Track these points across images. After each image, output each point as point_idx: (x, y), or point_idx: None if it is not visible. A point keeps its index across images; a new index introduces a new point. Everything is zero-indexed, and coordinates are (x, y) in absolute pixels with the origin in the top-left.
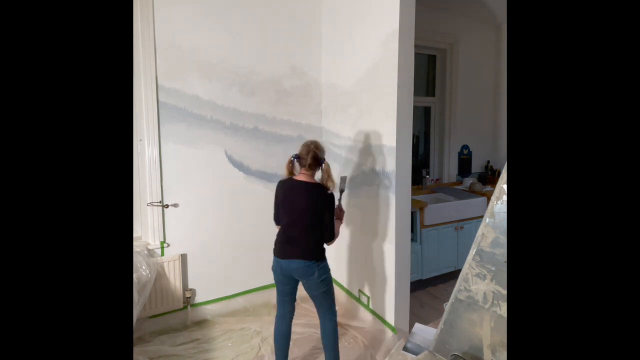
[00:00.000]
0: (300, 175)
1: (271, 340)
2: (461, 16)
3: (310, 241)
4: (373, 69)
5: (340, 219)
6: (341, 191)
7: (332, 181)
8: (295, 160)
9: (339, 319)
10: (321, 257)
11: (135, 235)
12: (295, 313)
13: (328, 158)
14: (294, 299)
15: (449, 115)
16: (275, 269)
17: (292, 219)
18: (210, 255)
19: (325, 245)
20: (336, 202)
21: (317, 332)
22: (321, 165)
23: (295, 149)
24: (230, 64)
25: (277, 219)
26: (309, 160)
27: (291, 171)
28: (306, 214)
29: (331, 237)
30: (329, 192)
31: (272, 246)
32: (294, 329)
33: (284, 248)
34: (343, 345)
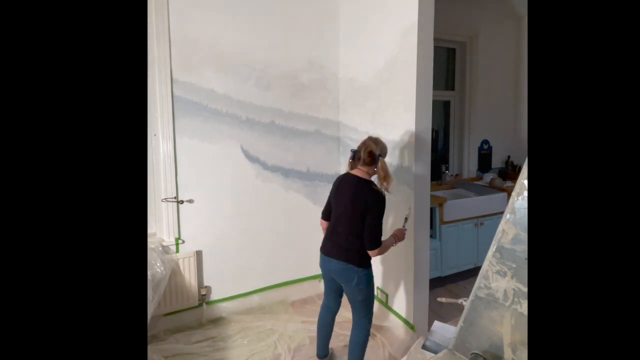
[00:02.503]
0: (356, 171)
1: (287, 339)
2: (481, 9)
3: (353, 242)
4: (392, 62)
5: (397, 237)
6: (406, 219)
7: (388, 180)
8: (354, 155)
9: None
10: (363, 263)
11: (149, 231)
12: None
13: (345, 152)
14: (339, 296)
15: (468, 110)
16: (320, 263)
17: (338, 214)
18: (226, 252)
19: (370, 254)
20: (401, 226)
21: (335, 329)
22: (377, 162)
23: (313, 144)
24: (246, 58)
25: (325, 214)
26: (362, 155)
27: (351, 167)
28: (350, 209)
29: (372, 243)
30: (380, 190)
31: (289, 242)
32: (313, 326)
33: (325, 243)
34: None
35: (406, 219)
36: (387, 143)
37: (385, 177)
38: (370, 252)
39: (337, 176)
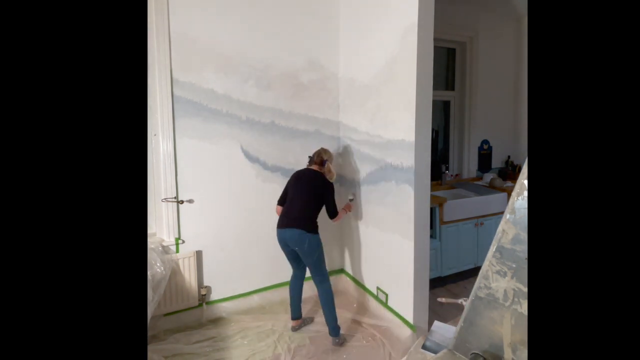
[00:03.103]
0: (313, 166)
1: (287, 339)
2: (481, 9)
3: (305, 214)
4: (392, 62)
5: (347, 208)
6: (350, 199)
7: (331, 175)
8: (311, 159)
9: (355, 315)
10: (313, 229)
11: (149, 231)
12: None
13: (345, 152)
14: (302, 263)
15: (468, 110)
16: (277, 239)
17: (294, 196)
18: (226, 252)
19: (332, 221)
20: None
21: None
22: (324, 165)
23: (313, 144)
24: (246, 58)
25: (281, 200)
26: (316, 159)
27: (309, 165)
28: (307, 190)
29: (332, 214)
30: (329, 178)
31: None
32: (313, 327)
33: (282, 219)
34: (360, 342)
35: (351, 199)
36: (387, 143)
37: (329, 172)
38: (332, 220)
39: (337, 176)
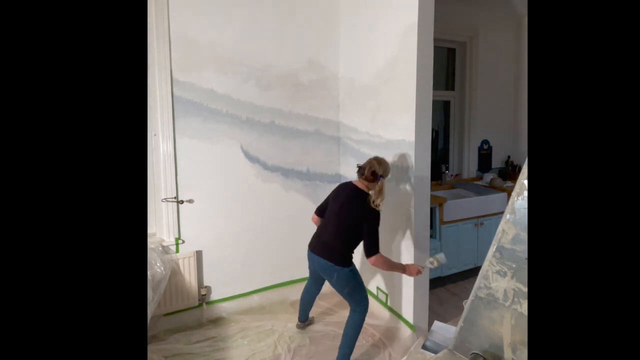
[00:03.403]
0: (358, 182)
1: (287, 339)
2: (481, 9)
3: (337, 243)
4: (392, 62)
5: (407, 269)
6: (430, 264)
7: (381, 197)
8: (360, 170)
9: None
10: (344, 262)
11: (149, 231)
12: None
13: (345, 152)
14: (320, 284)
15: (468, 110)
16: (307, 256)
17: (331, 214)
18: (226, 252)
19: (368, 262)
20: (429, 265)
21: (334, 329)
22: (378, 181)
23: (313, 144)
24: (246, 58)
25: (320, 209)
26: (366, 173)
27: (358, 177)
28: (343, 212)
29: (369, 250)
30: (375, 205)
31: (290, 242)
32: (313, 327)
33: (313, 241)
34: (361, 343)
35: (431, 266)
36: (387, 143)
37: (380, 194)
38: (369, 260)
39: (337, 176)
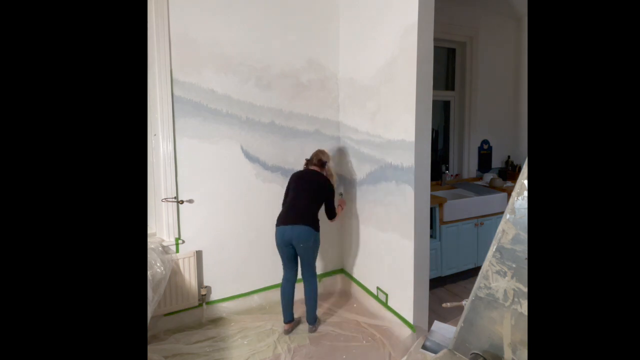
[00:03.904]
0: (314, 167)
1: (287, 339)
2: (481, 9)
3: (311, 211)
4: (392, 62)
5: (342, 205)
6: (340, 194)
7: (333, 178)
8: (307, 162)
9: (355, 316)
10: (317, 227)
11: (149, 231)
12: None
13: (345, 152)
14: (295, 264)
15: (468, 110)
16: (276, 237)
17: (298, 194)
18: (226, 251)
19: (329, 221)
20: (337, 198)
21: (334, 329)
22: (324, 166)
23: (313, 144)
24: (246, 58)
25: (284, 201)
26: (314, 161)
27: (307, 165)
28: (311, 190)
29: (332, 216)
30: (332, 182)
31: None
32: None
33: (287, 215)
34: (361, 343)
35: (340, 194)
36: (387, 143)
37: (332, 175)
38: (331, 220)
39: (337, 176)
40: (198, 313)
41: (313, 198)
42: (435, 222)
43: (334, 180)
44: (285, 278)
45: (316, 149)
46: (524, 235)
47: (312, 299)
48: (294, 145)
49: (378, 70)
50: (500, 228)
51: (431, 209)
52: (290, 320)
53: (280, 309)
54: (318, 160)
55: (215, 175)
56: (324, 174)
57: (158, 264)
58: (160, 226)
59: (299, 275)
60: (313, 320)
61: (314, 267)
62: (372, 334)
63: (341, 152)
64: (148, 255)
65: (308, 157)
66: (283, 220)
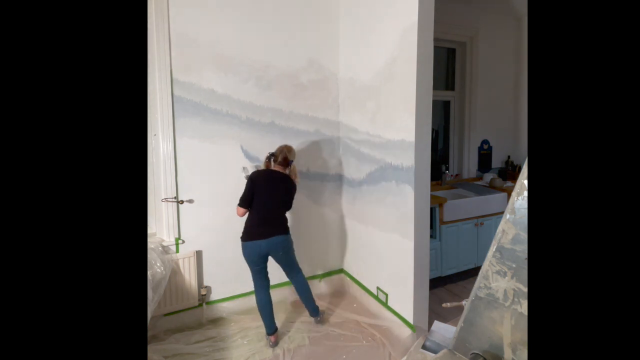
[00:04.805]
0: (278, 167)
1: (287, 339)
2: (481, 9)
3: (282, 218)
4: (392, 62)
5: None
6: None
7: (297, 179)
8: (272, 157)
9: (355, 316)
10: (288, 230)
11: (149, 231)
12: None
13: (345, 152)
14: (267, 272)
15: (468, 110)
16: (250, 252)
17: (267, 201)
18: (226, 252)
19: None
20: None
21: (334, 330)
22: (289, 165)
23: (313, 144)
24: (246, 58)
25: (246, 202)
26: (279, 159)
27: (267, 166)
28: (280, 194)
29: (289, 208)
30: (296, 182)
31: None
32: (313, 327)
33: (259, 229)
34: (361, 343)
35: (244, 168)
36: (387, 143)
37: (296, 175)
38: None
39: (337, 176)
40: (198, 313)
41: (282, 202)
42: (435, 222)
43: (298, 181)
44: (259, 287)
45: (282, 144)
46: (524, 235)
47: (306, 292)
48: (294, 145)
49: (378, 70)
50: (500, 228)
51: (431, 209)
52: (275, 330)
53: (280, 308)
54: (284, 158)
55: (215, 175)
56: (288, 172)
57: (158, 264)
58: (160, 226)
59: (272, 282)
60: (316, 312)
61: (297, 264)
62: (372, 334)
63: (341, 152)
64: (148, 255)
65: (272, 151)
66: (256, 235)
